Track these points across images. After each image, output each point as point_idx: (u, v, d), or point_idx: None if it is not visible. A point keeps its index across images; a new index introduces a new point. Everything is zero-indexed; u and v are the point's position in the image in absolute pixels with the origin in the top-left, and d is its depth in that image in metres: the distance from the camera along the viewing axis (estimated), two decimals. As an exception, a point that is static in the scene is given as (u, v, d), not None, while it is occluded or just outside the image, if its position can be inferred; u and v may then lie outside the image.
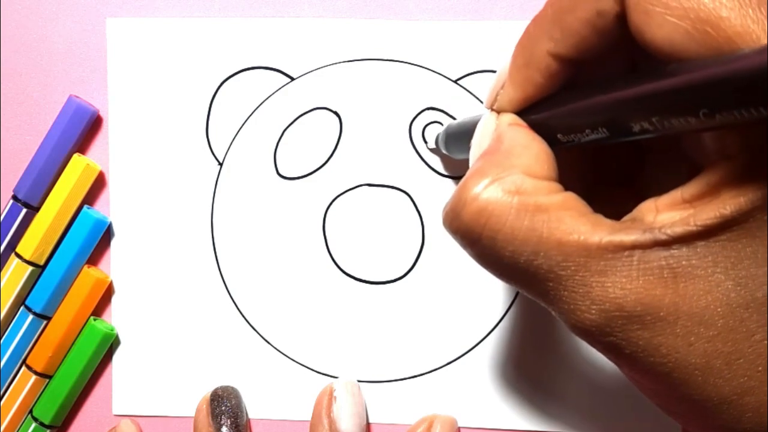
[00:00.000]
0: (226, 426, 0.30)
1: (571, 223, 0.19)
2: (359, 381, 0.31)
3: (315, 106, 0.31)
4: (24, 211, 0.31)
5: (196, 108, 0.32)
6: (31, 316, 0.32)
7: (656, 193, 0.20)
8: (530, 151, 0.21)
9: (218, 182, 0.32)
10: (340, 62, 0.31)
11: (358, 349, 0.31)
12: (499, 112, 0.22)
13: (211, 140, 0.32)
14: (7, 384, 0.32)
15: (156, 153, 0.32)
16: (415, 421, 0.31)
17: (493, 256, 0.20)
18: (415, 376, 0.31)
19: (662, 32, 0.18)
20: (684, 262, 0.18)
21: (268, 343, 0.32)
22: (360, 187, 0.31)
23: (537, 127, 0.22)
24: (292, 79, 0.31)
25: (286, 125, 0.31)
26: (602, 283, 0.18)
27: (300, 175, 0.31)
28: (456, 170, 0.31)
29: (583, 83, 0.21)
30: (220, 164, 0.32)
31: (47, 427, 0.32)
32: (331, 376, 0.32)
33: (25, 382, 0.32)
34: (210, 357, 0.32)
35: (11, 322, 0.32)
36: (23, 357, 0.32)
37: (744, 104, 0.16)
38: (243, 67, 0.31)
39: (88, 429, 0.33)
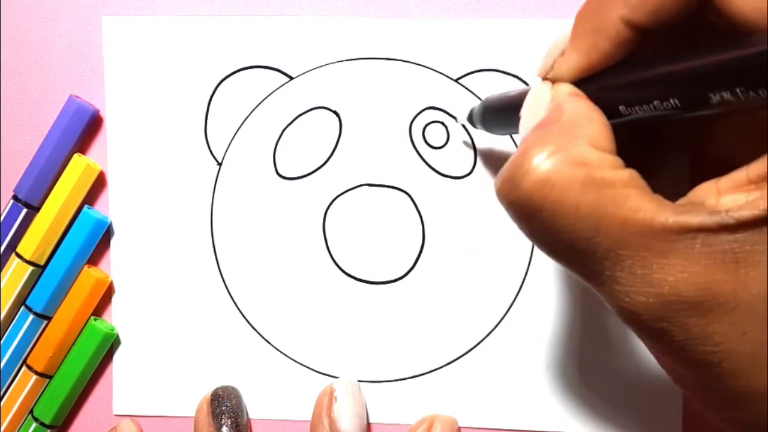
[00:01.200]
0: (227, 426, 0.30)
1: (637, 201, 0.18)
2: (359, 381, 0.31)
3: (314, 106, 0.31)
4: (24, 211, 0.32)
5: (195, 107, 0.31)
6: (31, 316, 0.32)
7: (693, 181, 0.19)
8: (593, 123, 0.20)
9: (217, 182, 0.32)
10: (339, 61, 0.31)
11: (359, 349, 0.31)
12: (553, 82, 0.21)
13: (209, 140, 0.32)
14: (7, 384, 0.32)
15: (155, 153, 0.32)
16: (416, 421, 0.31)
17: (550, 230, 0.19)
18: (416, 376, 0.31)
19: (748, 2, 0.17)
20: (747, 248, 0.17)
21: (269, 342, 0.32)
22: (360, 187, 0.31)
23: (596, 99, 0.21)
24: (291, 78, 0.31)
25: (286, 125, 0.31)
26: (663, 265, 0.18)
27: (300, 175, 0.31)
28: (457, 169, 0.31)
29: (647, 55, 0.20)
30: (219, 164, 0.32)
31: (48, 427, 0.32)
32: (332, 376, 0.32)
33: (25, 382, 0.32)
34: (210, 357, 0.32)
35: (12, 322, 0.32)
36: (24, 357, 0.32)
37: None
38: (241, 66, 0.31)
39: (89, 429, 0.33)
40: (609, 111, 0.20)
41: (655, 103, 0.19)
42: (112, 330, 0.32)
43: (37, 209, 0.32)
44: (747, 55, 0.17)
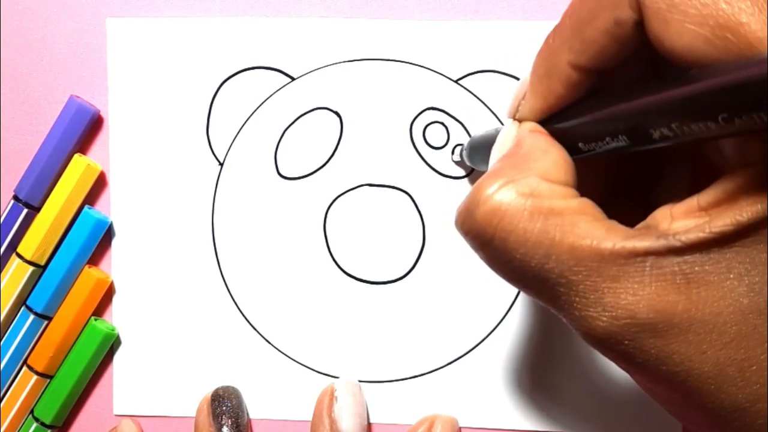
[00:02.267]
0: (227, 426, 0.30)
1: (585, 227, 0.19)
2: (360, 381, 0.31)
3: (316, 106, 0.31)
4: (25, 211, 0.32)
5: (197, 108, 0.31)
6: (32, 316, 0.32)
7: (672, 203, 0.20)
8: (549, 156, 0.21)
9: (219, 182, 0.32)
10: (340, 62, 0.31)
11: (359, 349, 0.31)
12: (520, 121, 0.23)
13: (211, 140, 0.32)
14: (8, 384, 0.32)
15: (156, 153, 0.32)
16: (416, 421, 0.31)
17: (504, 258, 0.20)
18: (416, 376, 0.31)
19: (682, 40, 0.17)
20: (697, 269, 0.18)
21: (269, 343, 0.32)
22: (361, 187, 0.31)
23: (558, 136, 0.22)
24: (293, 79, 0.31)
25: (287, 125, 0.31)
26: (614, 289, 0.18)
27: (301, 175, 0.31)
28: (458, 169, 0.31)
29: (604, 91, 0.21)
30: (221, 164, 0.32)
31: (48, 427, 0.32)
32: (332, 376, 0.32)
33: (26, 382, 0.32)
34: (211, 357, 0.32)
35: (12, 322, 0.32)
36: (24, 357, 0.32)
37: (763, 108, 0.16)
38: (243, 67, 0.31)
39: (89, 429, 0.33)
40: (570, 147, 0.21)
41: (607, 139, 0.20)
42: (113, 330, 0.32)
43: (38, 209, 0.32)
44: (678, 93, 0.17)
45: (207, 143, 0.32)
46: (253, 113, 0.31)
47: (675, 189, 0.24)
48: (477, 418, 0.31)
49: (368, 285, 0.31)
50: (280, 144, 0.31)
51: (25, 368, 0.32)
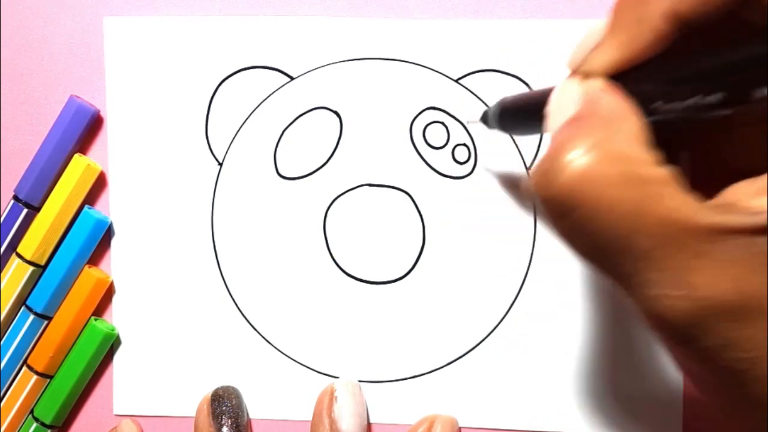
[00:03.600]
0: (227, 426, 0.30)
1: (679, 199, 0.18)
2: (360, 381, 0.31)
3: (315, 106, 0.31)
4: (25, 211, 0.32)
5: (196, 108, 0.31)
6: (32, 316, 0.32)
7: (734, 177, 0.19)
8: (631, 118, 0.19)
9: (218, 182, 0.32)
10: (340, 61, 0.31)
11: (359, 349, 0.31)
12: (583, 77, 0.21)
13: (210, 140, 0.32)
14: (8, 384, 0.32)
15: (156, 153, 0.32)
16: (416, 421, 0.31)
17: (586, 229, 0.18)
18: (416, 376, 0.31)
19: None
20: None
21: (269, 343, 0.32)
22: (360, 187, 0.31)
23: (630, 97, 0.20)
24: (292, 78, 0.31)
25: (286, 125, 0.31)
26: (700, 267, 0.17)
27: (300, 175, 0.31)
28: (458, 169, 0.31)
29: (686, 52, 0.19)
30: (220, 164, 0.32)
31: (48, 427, 0.32)
32: (332, 376, 0.32)
33: (26, 382, 0.32)
34: (210, 357, 0.32)
35: (12, 322, 0.32)
36: (24, 357, 0.32)
37: None
38: (242, 67, 0.31)
39: (89, 429, 0.33)
40: (644, 108, 0.20)
41: (697, 98, 0.18)
42: (113, 330, 0.32)
43: (38, 209, 0.32)
44: None
45: (206, 143, 0.32)
46: (252, 113, 0.31)
47: (744, 157, 0.22)
48: (477, 418, 0.31)
49: (368, 285, 0.31)
50: (280, 144, 0.31)
51: (25, 368, 0.32)
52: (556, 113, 0.21)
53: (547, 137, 0.20)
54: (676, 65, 0.19)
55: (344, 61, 0.31)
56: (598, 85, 0.20)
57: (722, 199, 0.19)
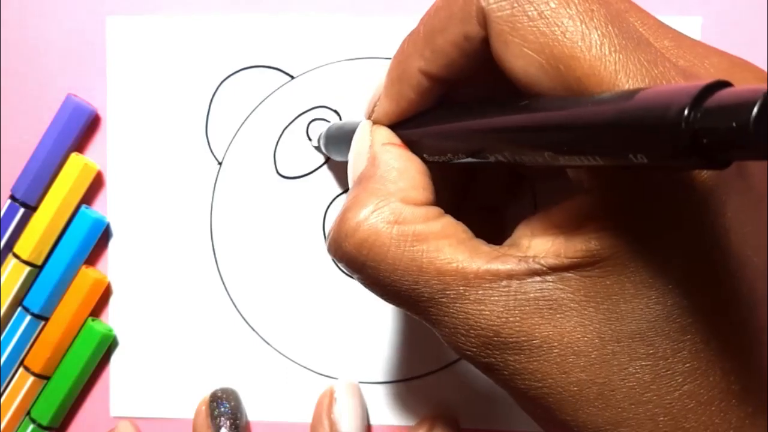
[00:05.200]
0: (225, 427, 0.30)
1: (450, 251, 0.19)
2: (360, 382, 0.31)
3: (315, 105, 0.31)
4: (21, 210, 0.31)
5: (196, 107, 0.31)
6: (28, 317, 0.31)
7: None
8: (407, 175, 0.21)
9: (217, 182, 0.32)
10: (340, 61, 0.31)
11: (359, 350, 0.31)
12: (375, 122, 0.23)
13: (210, 139, 0.31)
14: (4, 385, 0.32)
15: (155, 152, 0.32)
16: (416, 422, 0.31)
17: (376, 283, 0.20)
18: (416, 377, 0.31)
19: (519, 63, 0.18)
20: (559, 295, 0.18)
21: (268, 344, 0.32)
22: (360, 187, 0.31)
23: (409, 144, 0.22)
24: (293, 77, 0.31)
25: (286, 124, 0.31)
26: (480, 311, 0.19)
27: (300, 174, 0.31)
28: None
29: (457, 101, 0.21)
30: (220, 163, 0.31)
31: (45, 428, 0.32)
32: (332, 378, 0.31)
33: (22, 384, 0.32)
34: (209, 358, 0.32)
35: (9, 322, 0.32)
36: (21, 358, 0.32)
37: (581, 152, 0.16)
38: (243, 66, 0.31)
39: (86, 431, 0.33)
40: (420, 156, 0.22)
41: (449, 155, 0.20)
42: (110, 331, 0.32)
43: (35, 209, 0.31)
44: (510, 123, 0.18)
45: (206, 142, 0.31)
46: (252, 112, 0.31)
47: (544, 196, 0.25)
48: (477, 419, 0.31)
49: (368, 285, 0.31)
50: (280, 143, 0.31)
51: (21, 369, 0.32)
52: (352, 163, 0.23)
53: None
54: (432, 121, 0.21)
55: (345, 60, 0.31)
56: (381, 138, 0.22)
57: (511, 239, 0.20)
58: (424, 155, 0.22)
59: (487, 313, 0.19)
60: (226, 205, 0.32)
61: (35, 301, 0.31)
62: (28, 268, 0.31)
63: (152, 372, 0.32)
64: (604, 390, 0.18)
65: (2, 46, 0.32)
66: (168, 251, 0.32)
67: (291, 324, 0.31)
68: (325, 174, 0.31)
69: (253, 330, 0.32)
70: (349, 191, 0.22)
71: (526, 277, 0.18)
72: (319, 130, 0.31)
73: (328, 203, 0.31)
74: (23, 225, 0.31)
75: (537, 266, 0.18)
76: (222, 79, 0.31)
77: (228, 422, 0.30)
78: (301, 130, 0.31)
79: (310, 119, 0.31)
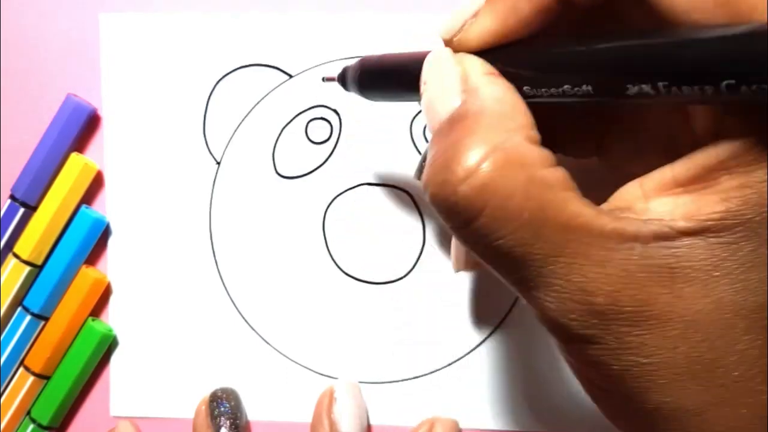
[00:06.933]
0: (225, 427, 0.30)
1: (577, 204, 0.17)
2: (360, 382, 0.31)
3: (314, 104, 0.31)
4: (21, 210, 0.31)
5: (193, 106, 0.31)
6: (28, 317, 0.31)
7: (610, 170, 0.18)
8: (519, 111, 0.18)
9: (216, 181, 0.31)
10: (339, 59, 0.31)
11: (359, 350, 0.31)
12: (456, 49, 0.20)
13: (208, 139, 0.31)
14: (4, 385, 0.32)
15: (153, 152, 0.32)
16: (417, 423, 0.31)
17: (488, 237, 0.18)
18: (416, 378, 0.31)
19: None
20: (685, 263, 0.16)
21: (268, 343, 0.31)
22: (360, 186, 0.31)
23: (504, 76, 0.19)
24: (291, 76, 0.31)
25: (285, 123, 0.31)
26: (599, 274, 0.17)
27: (299, 174, 0.31)
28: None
29: (561, 34, 0.19)
30: (218, 163, 0.31)
31: (45, 428, 0.32)
32: (332, 377, 0.31)
33: (22, 383, 0.32)
34: (209, 358, 0.32)
35: (9, 322, 0.32)
36: (21, 358, 0.32)
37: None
38: (240, 65, 0.31)
39: (86, 430, 0.33)
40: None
41: (566, 87, 0.17)
42: (110, 331, 0.32)
43: (35, 209, 0.31)
44: (674, 50, 0.16)
45: (204, 142, 0.31)
46: (250, 111, 0.31)
47: (621, 152, 0.22)
48: (477, 419, 0.31)
49: (368, 285, 0.31)
50: (278, 142, 0.31)
51: (21, 369, 0.32)
52: (436, 96, 0.19)
53: (428, 120, 0.19)
54: (550, 50, 0.18)
55: (343, 58, 0.31)
56: (477, 68, 0.19)
57: (615, 202, 0.18)
58: (524, 88, 0.18)
59: (606, 276, 0.17)
60: (225, 205, 0.31)
61: (35, 300, 0.31)
62: (28, 268, 0.31)
63: (152, 372, 0.32)
64: (713, 366, 0.17)
65: (2, 46, 0.32)
66: (168, 251, 0.32)
67: (291, 323, 0.31)
68: (325, 174, 0.31)
69: (253, 329, 0.32)
70: (438, 135, 0.19)
71: (652, 241, 0.17)
72: (318, 130, 0.31)
73: (328, 203, 0.31)
74: (23, 225, 0.31)
75: (666, 229, 0.16)
76: (219, 78, 0.31)
77: (228, 422, 0.30)
78: (299, 129, 0.31)
79: (309, 118, 0.31)
